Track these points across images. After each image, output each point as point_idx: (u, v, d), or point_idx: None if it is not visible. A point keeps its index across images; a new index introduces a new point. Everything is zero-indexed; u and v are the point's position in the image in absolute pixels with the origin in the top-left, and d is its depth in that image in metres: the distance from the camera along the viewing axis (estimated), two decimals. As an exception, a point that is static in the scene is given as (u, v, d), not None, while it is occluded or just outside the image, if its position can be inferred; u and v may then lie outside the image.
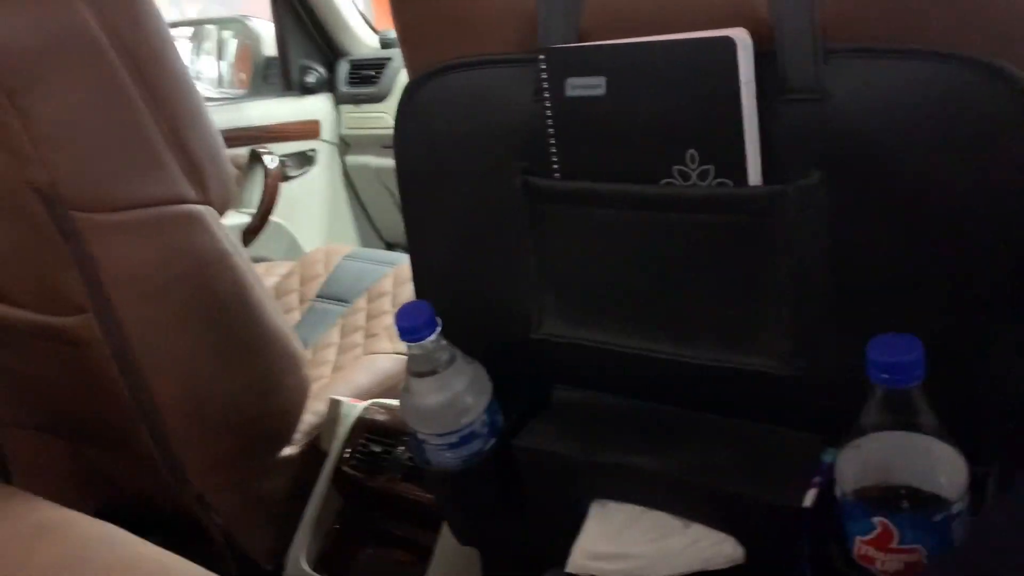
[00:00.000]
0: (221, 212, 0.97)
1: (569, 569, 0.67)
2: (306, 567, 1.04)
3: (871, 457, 0.51)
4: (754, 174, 0.53)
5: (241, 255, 0.98)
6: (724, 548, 0.62)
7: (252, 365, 1.02)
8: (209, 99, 2.19)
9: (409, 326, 0.65)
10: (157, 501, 1.10)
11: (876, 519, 0.50)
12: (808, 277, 0.54)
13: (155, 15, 0.87)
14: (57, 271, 0.88)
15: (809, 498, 0.57)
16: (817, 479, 0.58)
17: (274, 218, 1.96)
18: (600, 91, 0.55)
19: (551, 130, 0.58)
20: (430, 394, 0.67)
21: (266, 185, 1.92)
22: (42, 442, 1.26)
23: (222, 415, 1.01)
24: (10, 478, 1.18)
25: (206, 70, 2.37)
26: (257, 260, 1.94)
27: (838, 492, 0.53)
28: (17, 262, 0.94)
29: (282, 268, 1.78)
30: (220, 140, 0.96)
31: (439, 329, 0.66)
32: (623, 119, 0.55)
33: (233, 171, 0.99)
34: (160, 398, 0.95)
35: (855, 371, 0.49)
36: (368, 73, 2.09)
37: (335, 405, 1.13)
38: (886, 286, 0.53)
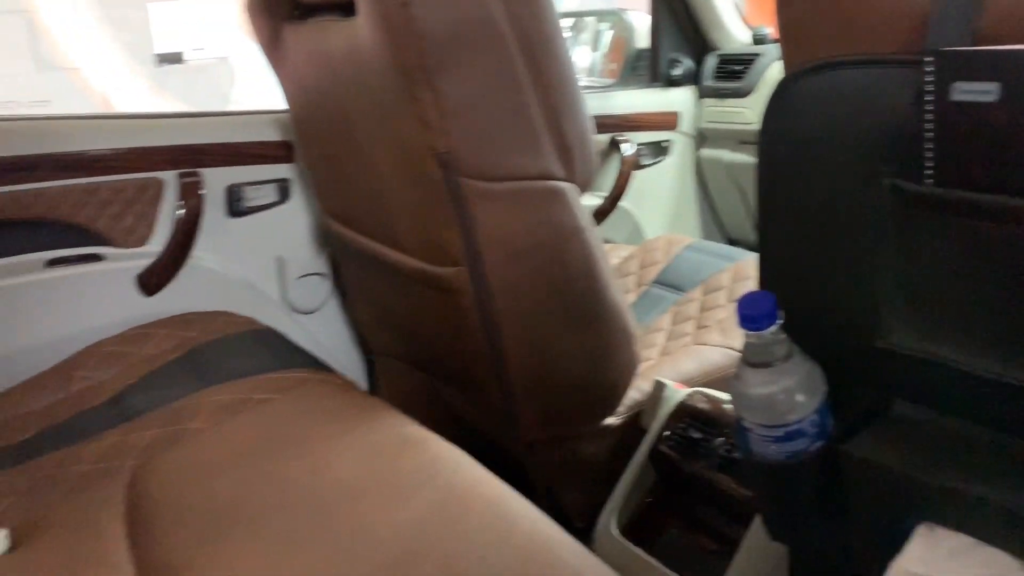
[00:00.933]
0: (583, 191, 1.05)
1: (884, 586, 0.65)
2: (616, 532, 1.10)
3: None
4: None
5: (594, 232, 1.05)
6: (1066, 602, 0.56)
7: (591, 333, 1.09)
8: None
9: (750, 314, 0.66)
10: (492, 442, 1.23)
11: None
12: None
13: (551, 6, 0.97)
14: (443, 228, 1.02)
15: None
16: None
17: (622, 203, 2.06)
18: (992, 97, 0.52)
19: (929, 135, 0.57)
20: (760, 385, 0.68)
21: (620, 172, 2.02)
22: (403, 371, 1.45)
23: (559, 374, 1.10)
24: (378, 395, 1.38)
25: (580, 59, 2.52)
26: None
27: None
28: (412, 217, 1.10)
29: (624, 251, 1.84)
30: (590, 125, 1.04)
31: (780, 322, 0.66)
32: (1014, 128, 0.52)
33: (598, 155, 1.07)
34: (509, 348, 1.06)
35: None
36: (735, 68, 2.08)
37: (659, 386, 1.17)
38: None
